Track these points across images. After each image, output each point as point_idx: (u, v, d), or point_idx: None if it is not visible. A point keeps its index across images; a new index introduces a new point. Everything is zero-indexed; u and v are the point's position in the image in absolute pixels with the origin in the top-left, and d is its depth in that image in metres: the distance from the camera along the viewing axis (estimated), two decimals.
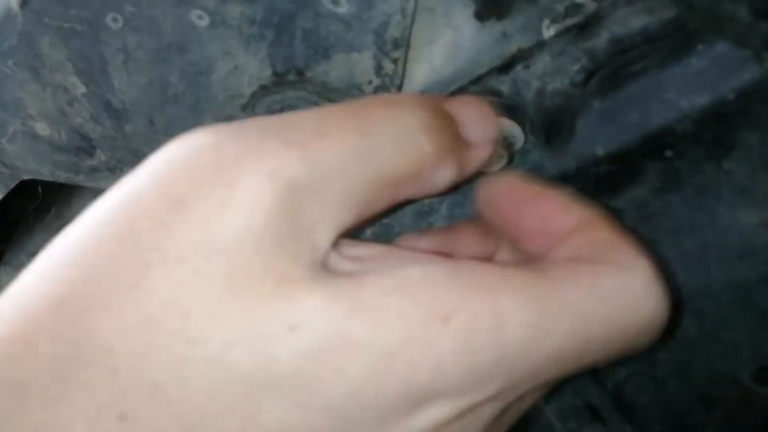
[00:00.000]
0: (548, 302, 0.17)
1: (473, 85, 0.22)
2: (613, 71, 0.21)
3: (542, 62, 0.21)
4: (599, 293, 0.17)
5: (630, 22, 0.20)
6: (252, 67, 0.23)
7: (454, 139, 0.19)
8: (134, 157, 0.27)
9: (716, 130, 0.21)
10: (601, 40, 0.20)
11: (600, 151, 0.23)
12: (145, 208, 0.15)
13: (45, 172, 0.28)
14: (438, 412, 0.16)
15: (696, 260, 0.25)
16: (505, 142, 0.22)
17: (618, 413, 0.31)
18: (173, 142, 0.17)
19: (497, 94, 0.22)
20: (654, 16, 0.20)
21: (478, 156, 0.20)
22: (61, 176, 0.28)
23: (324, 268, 0.16)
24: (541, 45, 0.21)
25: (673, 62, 0.20)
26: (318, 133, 0.16)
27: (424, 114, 0.18)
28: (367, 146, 0.17)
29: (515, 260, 0.21)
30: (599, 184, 0.24)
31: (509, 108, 0.22)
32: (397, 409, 0.16)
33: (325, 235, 0.16)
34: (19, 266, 0.35)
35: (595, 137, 0.23)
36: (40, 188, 0.33)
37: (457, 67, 0.22)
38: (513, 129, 0.22)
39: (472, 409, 0.17)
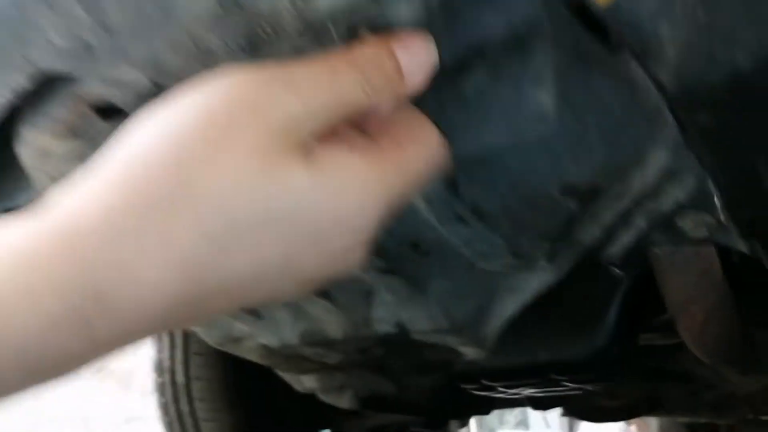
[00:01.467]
0: (402, 166, 0.32)
1: None
2: None
3: None
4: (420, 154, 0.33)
5: None
6: None
7: (387, 80, 0.31)
8: None
9: None
10: None
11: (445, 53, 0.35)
12: (210, 124, 0.28)
13: None
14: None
15: (509, 127, 0.38)
16: None
17: (475, 218, 0.46)
18: (219, 78, 0.29)
19: None
20: None
21: (412, 83, 0.32)
22: None
23: (308, 154, 0.30)
24: None
25: None
26: (307, 85, 0.29)
27: (368, 70, 0.31)
28: (332, 93, 0.30)
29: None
30: (447, 72, 0.36)
31: None
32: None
33: (308, 137, 0.30)
34: None
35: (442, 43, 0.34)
36: None
37: None
38: None
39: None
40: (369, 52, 0.31)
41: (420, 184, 0.34)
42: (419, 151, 0.33)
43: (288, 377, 0.85)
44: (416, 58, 0.32)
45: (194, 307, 0.29)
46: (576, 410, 1.28)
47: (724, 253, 0.57)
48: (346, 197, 0.30)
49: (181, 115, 0.29)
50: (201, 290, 0.28)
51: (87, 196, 0.28)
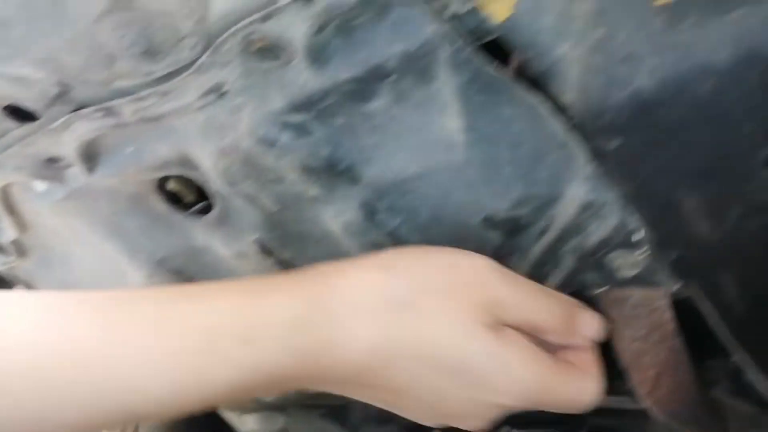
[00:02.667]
0: (556, 383, 0.38)
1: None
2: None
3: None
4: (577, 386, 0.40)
5: None
6: None
7: (572, 328, 0.41)
8: None
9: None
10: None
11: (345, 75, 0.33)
12: (450, 282, 0.38)
13: None
14: None
15: (421, 154, 0.36)
16: None
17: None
18: (471, 257, 0.39)
19: None
20: None
21: (584, 338, 0.42)
22: None
23: (499, 330, 0.37)
24: None
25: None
26: (524, 288, 0.39)
27: (565, 309, 0.41)
28: (536, 304, 0.39)
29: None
30: (351, 95, 0.34)
31: None
32: None
33: (505, 321, 0.38)
34: None
35: (341, 65, 0.33)
36: None
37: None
38: None
39: None
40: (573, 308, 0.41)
41: (559, 408, 0.39)
42: (579, 381, 0.39)
43: (232, 417, 0.81)
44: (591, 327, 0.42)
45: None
46: None
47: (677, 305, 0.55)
48: (504, 370, 0.36)
49: (436, 268, 0.38)
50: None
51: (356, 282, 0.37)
